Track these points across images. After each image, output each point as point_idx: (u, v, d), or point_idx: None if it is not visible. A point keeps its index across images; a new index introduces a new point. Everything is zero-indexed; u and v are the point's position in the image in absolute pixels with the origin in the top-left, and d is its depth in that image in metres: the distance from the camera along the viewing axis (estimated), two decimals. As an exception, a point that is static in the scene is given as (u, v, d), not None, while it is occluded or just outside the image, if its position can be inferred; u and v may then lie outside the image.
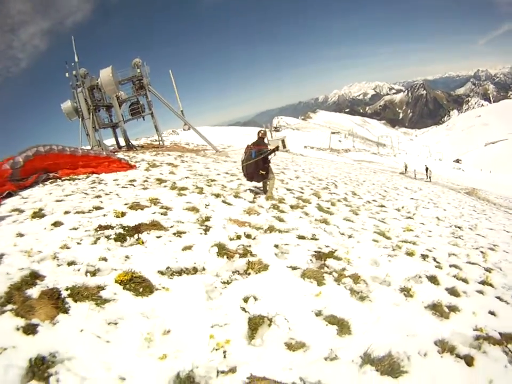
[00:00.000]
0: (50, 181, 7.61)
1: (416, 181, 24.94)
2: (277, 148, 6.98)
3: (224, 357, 2.03)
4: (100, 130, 21.35)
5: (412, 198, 12.35)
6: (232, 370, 1.92)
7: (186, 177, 9.76)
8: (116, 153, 18.13)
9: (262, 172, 7.00)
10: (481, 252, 5.60)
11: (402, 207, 9.29)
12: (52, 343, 1.92)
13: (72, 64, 20.66)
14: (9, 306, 2.20)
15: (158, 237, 3.97)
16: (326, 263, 3.70)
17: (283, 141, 37.27)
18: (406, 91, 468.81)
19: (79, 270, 2.88)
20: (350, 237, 5.09)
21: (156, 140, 27.08)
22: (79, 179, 8.22)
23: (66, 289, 2.47)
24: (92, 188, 7.14)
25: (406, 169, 33.97)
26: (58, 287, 2.50)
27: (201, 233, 4.27)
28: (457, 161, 71.17)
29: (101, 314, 2.30)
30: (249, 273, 3.20)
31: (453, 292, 3.48)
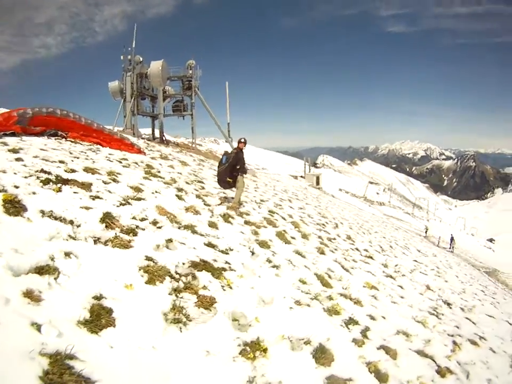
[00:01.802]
0: (56, 137, 8.69)
1: (436, 248, 24.02)
2: (238, 153, 7.12)
3: None
4: (137, 116, 23.68)
5: (415, 261, 11.71)
6: None
7: (179, 173, 10.45)
8: (147, 141, 19.76)
9: (229, 180, 7.27)
10: (453, 343, 4.63)
11: (396, 265, 8.84)
12: None
13: (129, 49, 23.49)
14: None
15: (75, 192, 4.53)
16: (196, 274, 3.54)
17: (317, 178, 37.78)
18: (456, 159, 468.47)
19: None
20: (271, 264, 4.82)
21: (194, 143, 28.82)
22: (81, 144, 9.25)
23: None
24: (82, 151, 8.07)
25: (426, 232, 34.40)
26: None
27: (118, 205, 4.69)
28: (491, 240, 67.05)
29: None
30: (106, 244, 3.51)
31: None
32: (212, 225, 5.68)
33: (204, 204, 6.89)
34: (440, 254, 18.92)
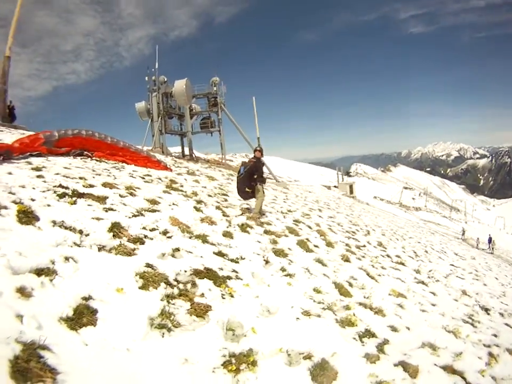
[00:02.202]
0: (81, 157, 9.49)
1: (475, 250, 23.41)
2: (259, 165, 7.32)
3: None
4: (165, 135, 25.14)
5: (452, 265, 11.08)
6: None
7: (203, 187, 10.84)
8: (175, 158, 20.78)
9: (248, 190, 7.46)
10: (489, 354, 4.13)
11: (430, 271, 8.39)
12: None
13: (153, 70, 25.43)
14: None
15: (89, 205, 4.91)
16: (197, 282, 3.62)
17: (351, 187, 37.88)
18: (490, 157, 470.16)
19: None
20: (285, 273, 4.74)
21: (223, 158, 29.74)
22: (106, 162, 9.99)
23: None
24: (106, 169, 8.71)
25: (463, 235, 35.03)
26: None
27: (130, 216, 4.99)
28: (533, 238, 62.54)
29: None
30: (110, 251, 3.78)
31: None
32: (226, 234, 5.79)
33: (223, 215, 7.03)
34: (479, 257, 18.06)
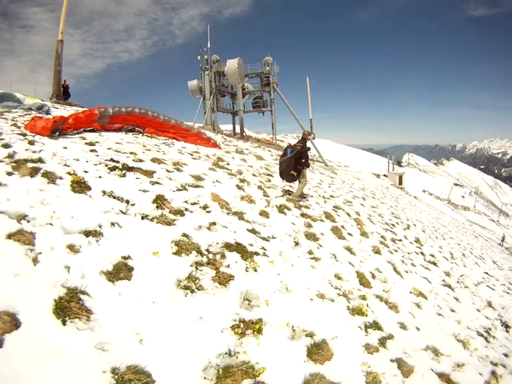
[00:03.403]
0: (133, 133, 10.28)
1: None
2: (306, 148, 7.31)
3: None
4: (216, 113, 25.69)
5: (486, 273, 10.19)
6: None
7: (249, 166, 11.08)
8: (225, 136, 21.36)
9: (293, 173, 7.45)
10: (492, 373, 3.94)
11: (461, 276, 7.89)
12: None
13: (205, 49, 25.55)
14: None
15: (137, 178, 5.43)
16: (226, 254, 3.89)
17: (400, 177, 35.99)
18: None
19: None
20: (311, 256, 4.90)
21: (274, 138, 29.79)
22: (157, 138, 10.69)
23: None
24: (156, 145, 9.35)
25: (502, 241, 33.08)
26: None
27: (174, 190, 5.41)
28: None
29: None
30: (152, 220, 4.19)
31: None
32: (263, 214, 5.98)
33: (263, 195, 7.24)
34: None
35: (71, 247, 2.79)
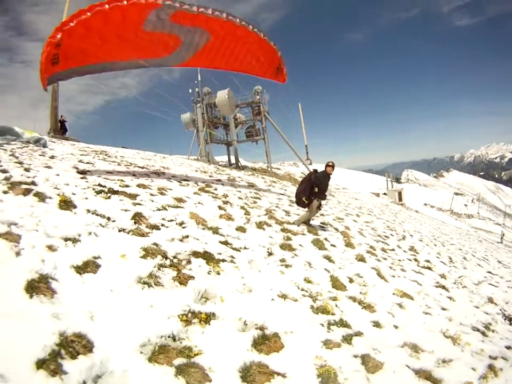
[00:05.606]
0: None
1: None
2: (319, 178, 7.66)
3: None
4: (210, 144, 26.81)
5: (489, 272, 10.25)
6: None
7: (238, 191, 11.60)
8: (218, 166, 22.08)
9: (305, 200, 7.71)
10: (489, 367, 3.73)
11: (459, 277, 8.01)
12: None
13: (196, 82, 27.00)
14: None
15: (120, 200, 6.03)
16: (192, 260, 4.55)
17: (400, 194, 36.91)
18: None
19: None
20: (283, 263, 5.08)
21: (271, 167, 30.64)
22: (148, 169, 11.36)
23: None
24: (146, 174, 10.00)
25: (501, 238, 34.35)
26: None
27: (154, 209, 5.97)
28: None
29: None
30: (128, 232, 4.73)
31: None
32: (239, 229, 6.36)
33: (245, 213, 7.63)
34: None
35: (50, 247, 3.35)
